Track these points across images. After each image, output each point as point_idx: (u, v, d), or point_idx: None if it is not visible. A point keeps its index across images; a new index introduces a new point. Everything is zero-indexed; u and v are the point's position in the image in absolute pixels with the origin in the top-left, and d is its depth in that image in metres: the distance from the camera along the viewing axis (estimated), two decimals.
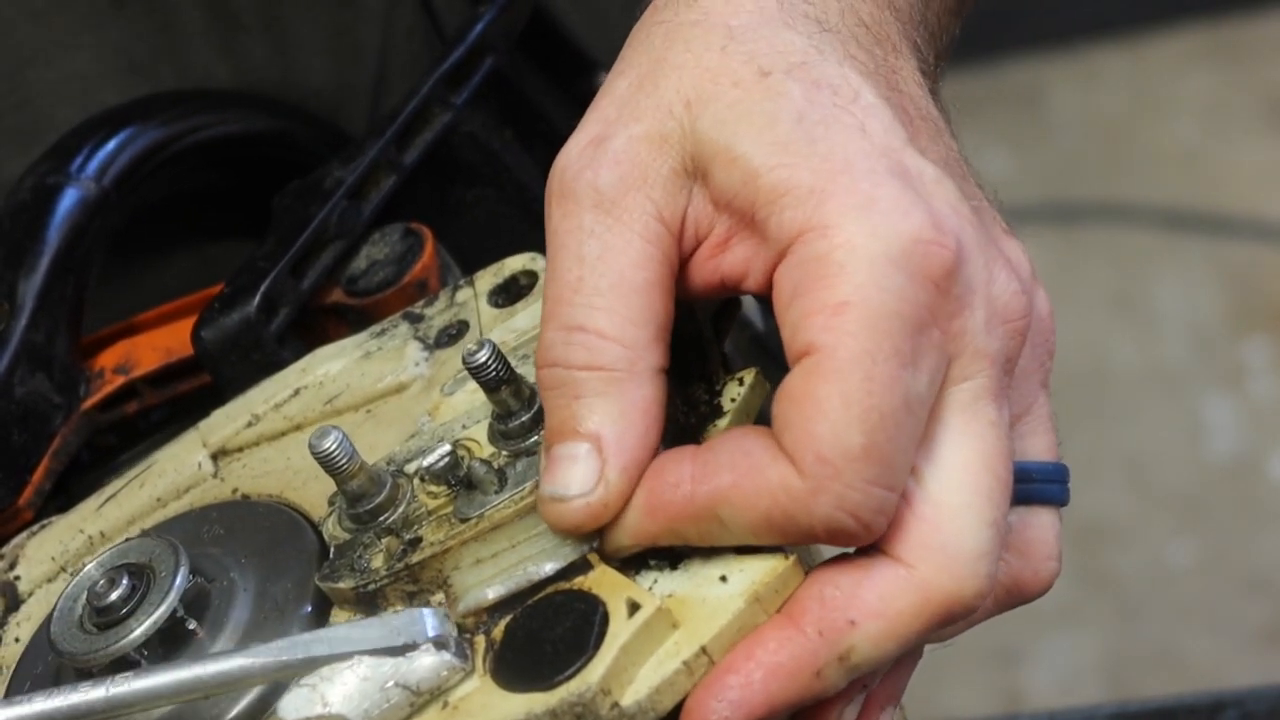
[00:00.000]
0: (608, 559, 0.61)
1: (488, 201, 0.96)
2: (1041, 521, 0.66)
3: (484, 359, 0.64)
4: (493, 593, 0.61)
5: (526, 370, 0.69)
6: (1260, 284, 2.53)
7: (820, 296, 0.61)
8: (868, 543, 0.60)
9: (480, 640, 0.60)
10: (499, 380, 0.64)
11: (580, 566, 0.60)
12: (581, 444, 0.62)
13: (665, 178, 0.65)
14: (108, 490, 0.79)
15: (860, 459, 0.59)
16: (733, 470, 0.60)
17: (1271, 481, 2.35)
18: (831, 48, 0.66)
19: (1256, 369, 2.46)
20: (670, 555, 0.61)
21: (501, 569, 0.61)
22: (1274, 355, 2.47)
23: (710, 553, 0.60)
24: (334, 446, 0.64)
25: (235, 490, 0.75)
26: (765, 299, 1.12)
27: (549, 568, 0.61)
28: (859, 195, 0.62)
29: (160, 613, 0.65)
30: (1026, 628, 2.22)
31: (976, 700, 2.16)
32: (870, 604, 0.59)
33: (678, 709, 0.58)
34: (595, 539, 0.61)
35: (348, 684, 0.58)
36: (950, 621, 0.61)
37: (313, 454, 0.64)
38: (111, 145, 0.89)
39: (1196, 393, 2.43)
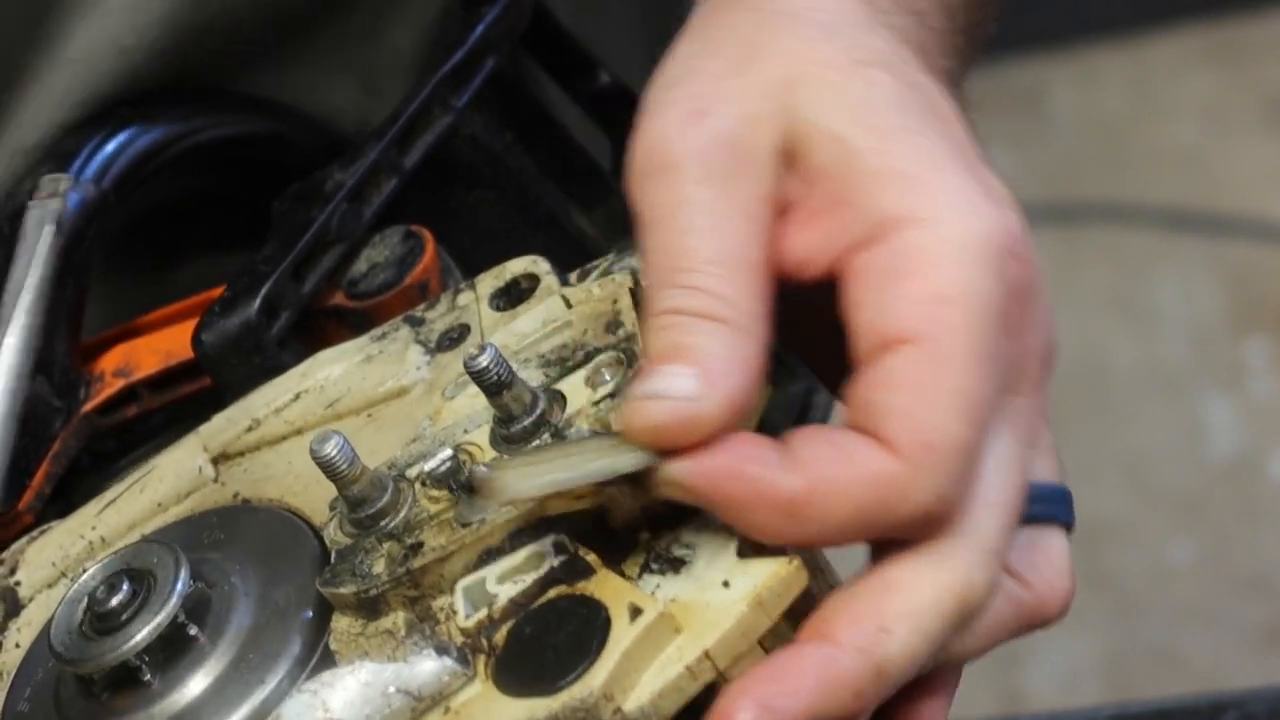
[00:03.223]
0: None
1: (489, 204, 0.96)
2: (1051, 540, 0.67)
3: (485, 364, 0.63)
4: (539, 484, 0.60)
5: (528, 374, 0.69)
6: (1260, 284, 2.53)
7: (924, 286, 0.61)
8: (933, 535, 0.60)
9: (483, 645, 0.60)
10: (500, 385, 0.64)
11: (583, 570, 0.60)
12: (688, 367, 0.61)
13: (766, 157, 0.65)
14: (107, 495, 0.79)
15: (961, 451, 0.60)
16: (821, 463, 0.60)
17: (1271, 481, 2.35)
18: (911, 57, 0.68)
19: (1256, 369, 2.46)
20: (673, 561, 0.61)
21: (554, 464, 0.60)
22: (1274, 355, 2.47)
23: (713, 557, 0.60)
24: (334, 452, 0.64)
25: (236, 495, 0.75)
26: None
27: (606, 465, 0.60)
28: (961, 197, 0.62)
29: (161, 619, 0.65)
30: None
31: (976, 700, 2.16)
32: (896, 605, 0.60)
33: (680, 715, 0.58)
34: (656, 459, 0.60)
35: (349, 690, 0.58)
36: (965, 615, 0.61)
37: (314, 459, 0.64)
38: (110, 148, 0.89)
39: (1196, 393, 2.44)
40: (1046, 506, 0.66)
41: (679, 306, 0.62)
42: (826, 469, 0.59)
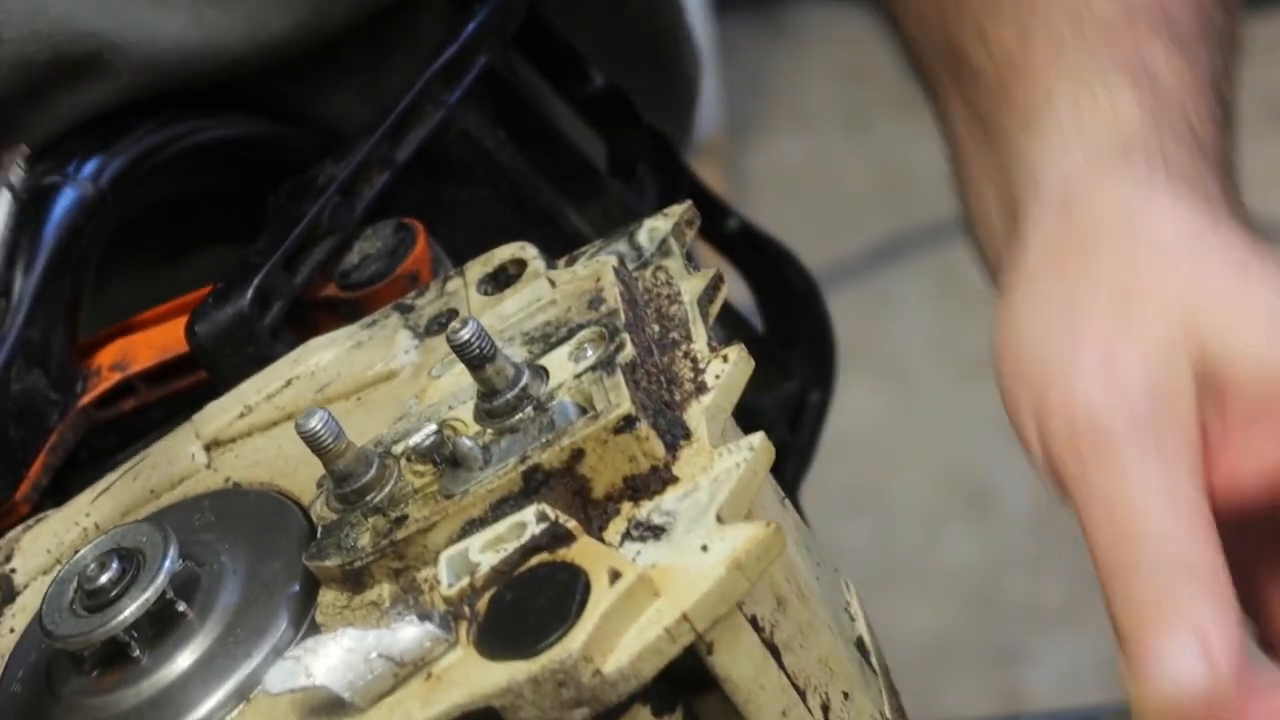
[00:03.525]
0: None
1: (482, 201, 0.97)
2: None
3: (467, 336, 0.64)
4: None
5: (513, 351, 0.69)
6: None
7: None
8: None
9: (465, 613, 0.60)
10: (483, 358, 0.64)
11: (564, 537, 0.60)
12: (1192, 640, 0.61)
13: (1187, 398, 0.65)
14: (102, 483, 0.80)
15: None
16: None
17: None
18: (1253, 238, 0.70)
19: None
20: (653, 528, 0.61)
21: None
22: None
23: (692, 524, 0.61)
24: (320, 426, 0.64)
25: (227, 479, 0.76)
26: (768, 307, 1.12)
27: None
28: None
29: (149, 594, 0.65)
30: (1026, 628, 2.21)
31: (976, 700, 2.16)
32: None
33: (659, 677, 0.59)
34: None
35: (331, 656, 0.59)
36: None
37: (299, 434, 0.65)
38: (110, 147, 0.90)
39: None
40: None
41: (1155, 569, 0.62)
42: None
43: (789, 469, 1.08)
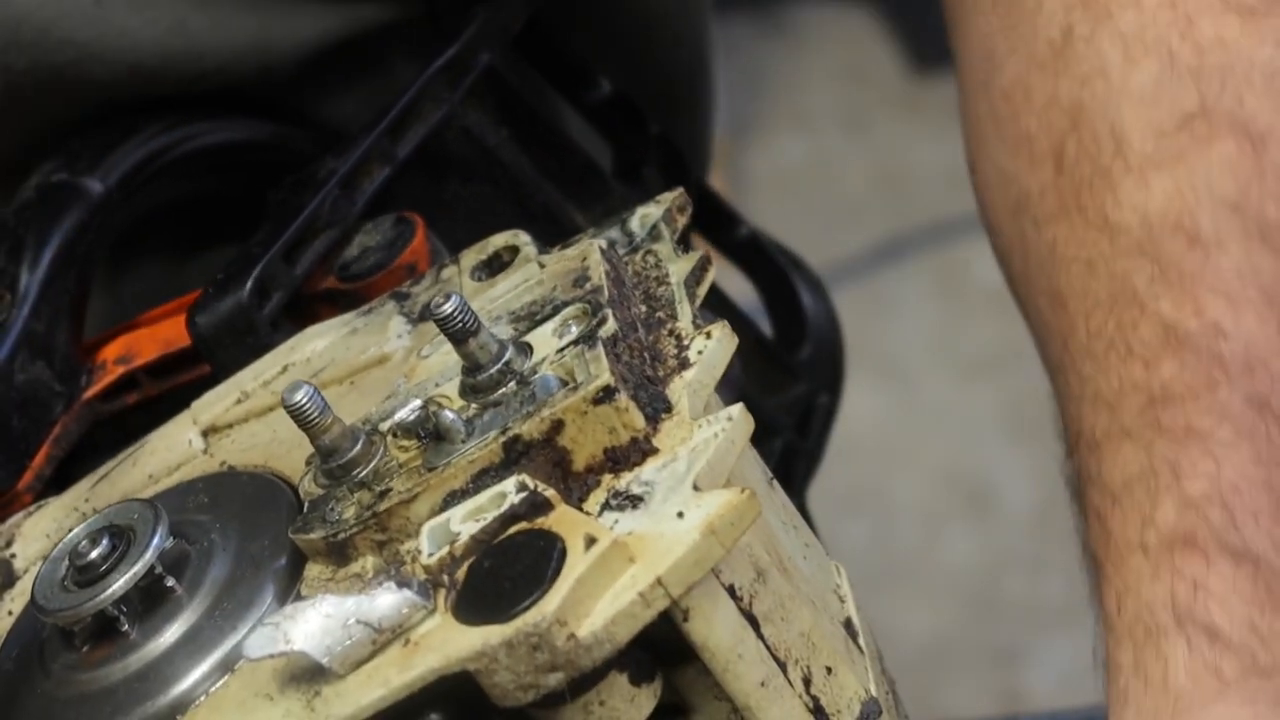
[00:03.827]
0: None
1: (484, 198, 0.97)
2: None
3: (450, 310, 0.64)
4: None
5: (499, 330, 0.70)
6: None
7: None
8: None
9: (444, 582, 0.61)
10: (466, 332, 0.65)
11: (542, 506, 0.61)
12: None
13: None
14: (101, 470, 0.80)
15: None
16: None
17: None
18: None
19: None
20: (632, 498, 0.62)
21: None
22: None
23: (669, 493, 0.61)
24: (304, 399, 0.65)
25: (223, 463, 0.76)
26: (777, 312, 1.12)
27: None
28: None
29: (138, 569, 0.66)
30: (1026, 628, 2.20)
31: (976, 700, 2.14)
32: None
33: (638, 646, 0.59)
34: None
35: (310, 621, 0.59)
36: None
37: (284, 407, 0.65)
38: (117, 147, 0.91)
39: None
40: None
41: None
42: None
43: (797, 472, 1.09)
